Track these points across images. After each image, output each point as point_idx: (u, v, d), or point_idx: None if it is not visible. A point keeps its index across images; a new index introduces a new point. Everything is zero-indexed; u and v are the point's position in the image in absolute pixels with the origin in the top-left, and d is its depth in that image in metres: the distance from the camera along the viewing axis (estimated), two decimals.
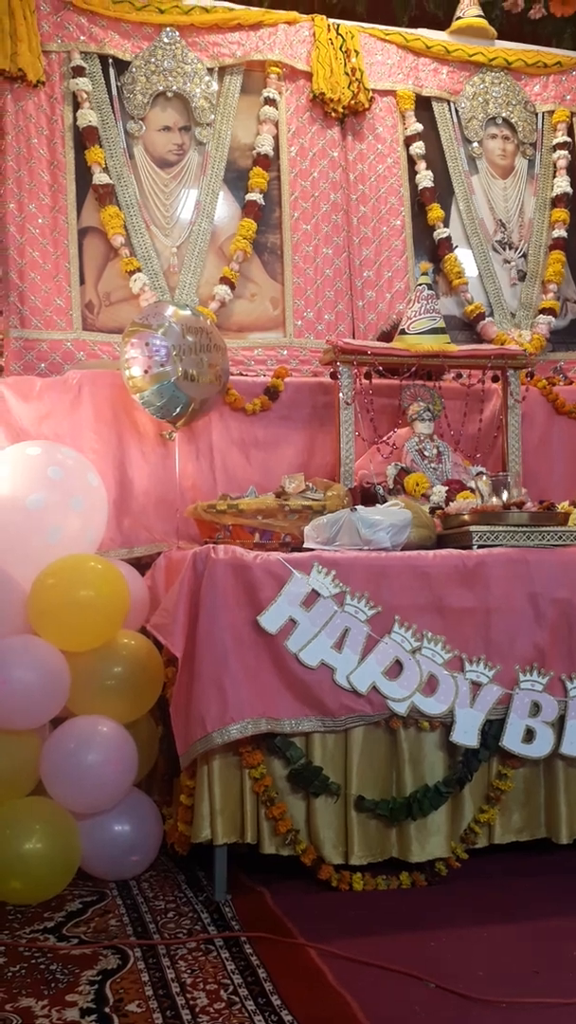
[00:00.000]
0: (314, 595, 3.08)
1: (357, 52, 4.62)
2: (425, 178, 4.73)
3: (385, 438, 4.17)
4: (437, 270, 4.72)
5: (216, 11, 4.48)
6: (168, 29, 4.40)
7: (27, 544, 3.34)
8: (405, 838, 3.12)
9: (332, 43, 4.58)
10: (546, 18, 5.18)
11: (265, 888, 3.09)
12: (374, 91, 4.68)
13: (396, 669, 3.10)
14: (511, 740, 3.17)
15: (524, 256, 4.88)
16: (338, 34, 4.61)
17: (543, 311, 4.79)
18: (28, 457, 3.53)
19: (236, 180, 4.48)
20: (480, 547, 3.33)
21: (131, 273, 4.23)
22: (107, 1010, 2.33)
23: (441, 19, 5.02)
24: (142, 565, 3.75)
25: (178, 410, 3.79)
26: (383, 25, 4.82)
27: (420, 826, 3.12)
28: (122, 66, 4.36)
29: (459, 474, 4.06)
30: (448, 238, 4.73)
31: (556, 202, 4.92)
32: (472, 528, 3.38)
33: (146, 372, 3.72)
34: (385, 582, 3.14)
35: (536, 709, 3.19)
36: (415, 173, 4.75)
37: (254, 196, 4.45)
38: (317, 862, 3.08)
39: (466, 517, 3.46)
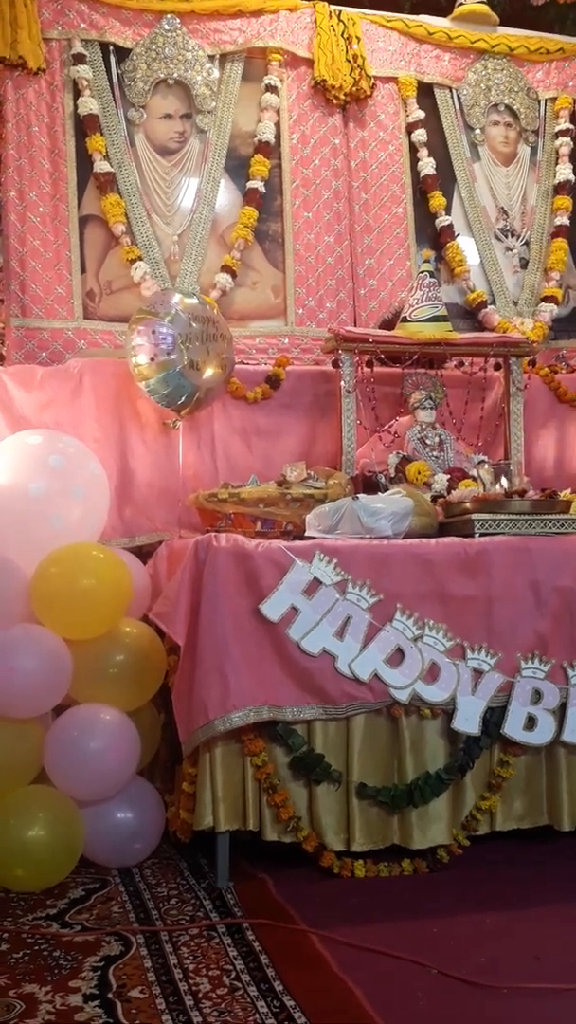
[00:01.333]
0: (316, 583, 3.08)
1: (359, 39, 4.59)
2: (427, 165, 4.70)
3: (387, 426, 4.16)
4: (439, 258, 4.69)
5: None
6: (169, 16, 4.37)
7: (29, 532, 3.35)
8: (407, 825, 3.13)
9: (334, 30, 4.55)
10: (549, 4, 5.13)
11: (267, 875, 3.10)
12: (376, 78, 4.64)
13: (398, 657, 3.11)
14: (512, 727, 3.17)
15: (526, 244, 4.86)
16: (340, 20, 4.57)
17: (545, 299, 4.77)
18: (29, 446, 3.53)
19: (237, 168, 4.46)
20: (482, 535, 3.33)
21: (132, 261, 4.21)
22: (110, 996, 2.34)
23: (443, 5, 4.98)
24: (144, 554, 3.75)
25: (183, 399, 3.79)
26: (385, 11, 4.79)
27: (421, 813, 3.13)
28: (123, 53, 4.33)
29: (461, 462, 4.05)
30: (450, 226, 4.70)
31: (558, 189, 4.89)
32: (474, 516, 3.37)
33: (152, 360, 3.71)
34: (387, 570, 3.14)
35: (538, 697, 3.19)
36: (417, 160, 4.72)
37: (255, 184, 4.42)
38: (319, 849, 3.09)
39: (468, 505, 3.46)
